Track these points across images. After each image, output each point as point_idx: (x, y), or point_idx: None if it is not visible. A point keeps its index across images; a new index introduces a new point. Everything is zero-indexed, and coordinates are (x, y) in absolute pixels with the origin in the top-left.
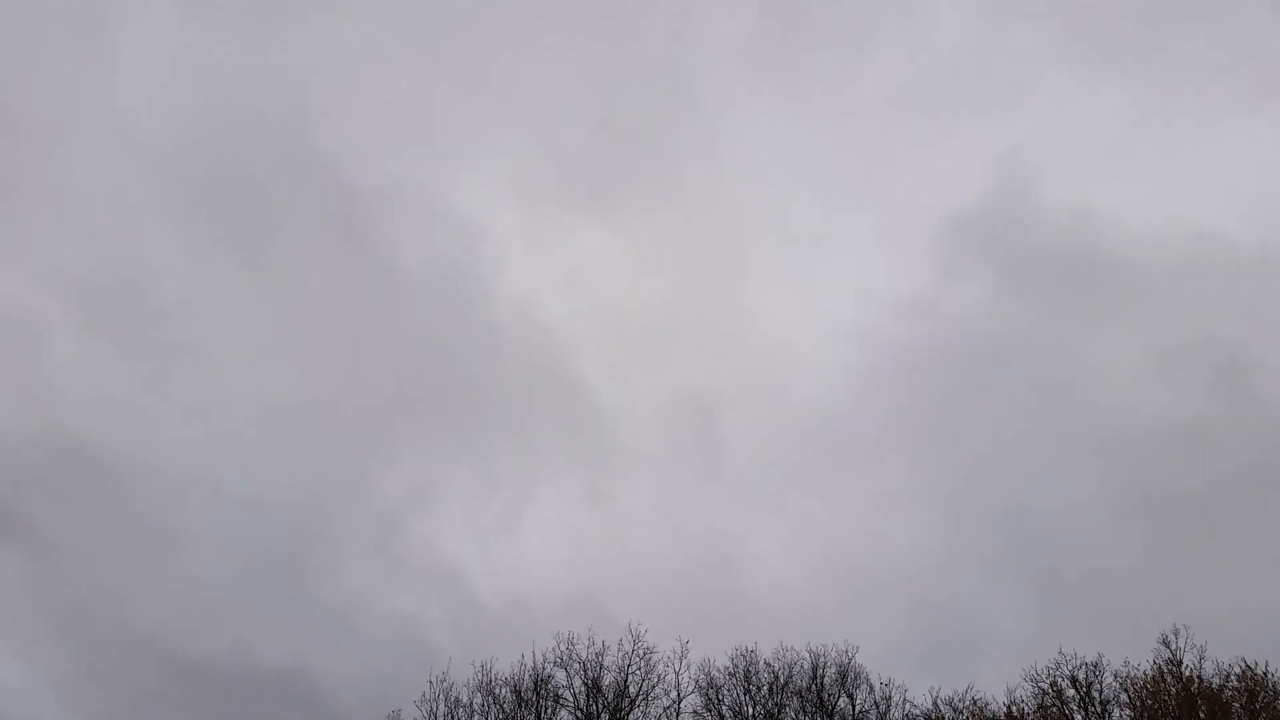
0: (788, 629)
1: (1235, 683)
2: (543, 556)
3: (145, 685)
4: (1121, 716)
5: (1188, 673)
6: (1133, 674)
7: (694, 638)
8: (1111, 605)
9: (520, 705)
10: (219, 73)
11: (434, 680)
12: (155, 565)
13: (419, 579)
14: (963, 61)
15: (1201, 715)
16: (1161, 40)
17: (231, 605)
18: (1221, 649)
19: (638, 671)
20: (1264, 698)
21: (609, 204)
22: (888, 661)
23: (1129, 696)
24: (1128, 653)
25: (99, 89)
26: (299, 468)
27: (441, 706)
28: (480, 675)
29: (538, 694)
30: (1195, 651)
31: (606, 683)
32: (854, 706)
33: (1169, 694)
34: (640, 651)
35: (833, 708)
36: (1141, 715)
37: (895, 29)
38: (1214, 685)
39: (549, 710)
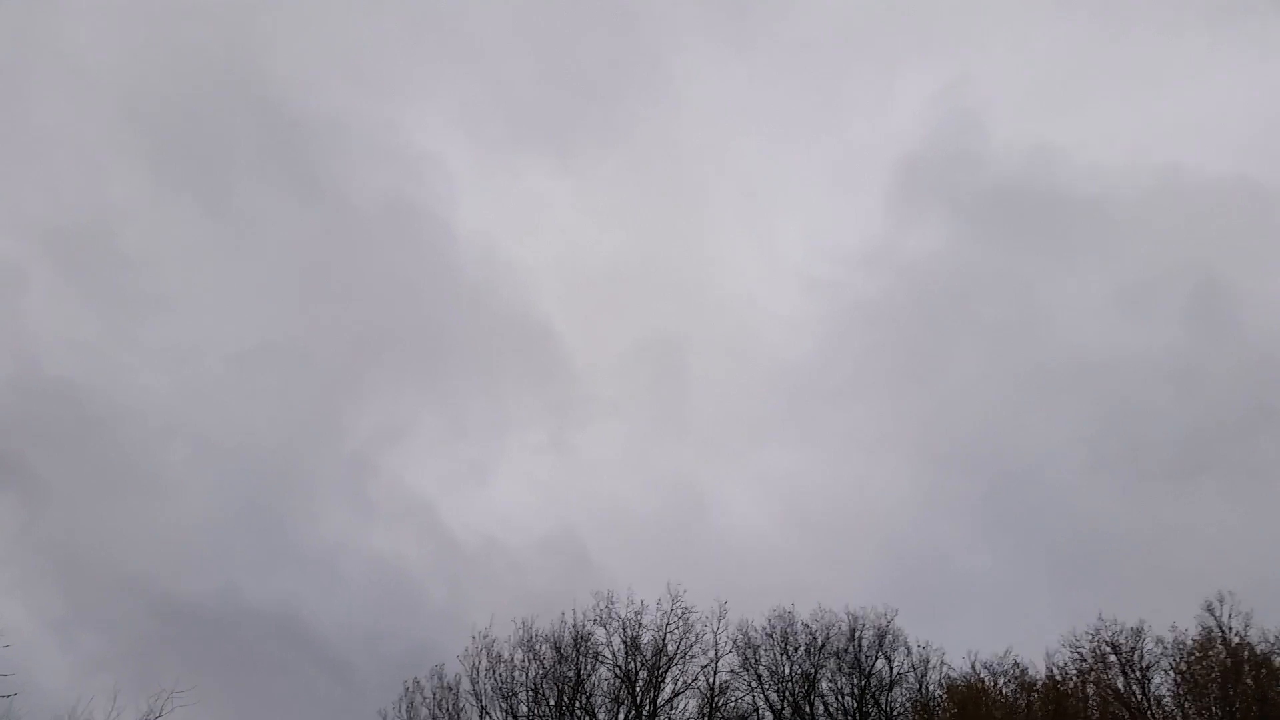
0: (760, 572)
1: None
2: (513, 499)
3: (139, 626)
4: (1164, 682)
5: (1235, 639)
6: (1179, 639)
7: (666, 580)
8: (1095, 549)
9: (560, 661)
10: (166, 11)
11: (476, 635)
12: (141, 508)
13: (395, 521)
14: None
15: (1249, 682)
16: None
17: (217, 548)
18: (1195, 592)
19: (676, 630)
20: None
21: (560, 144)
22: (863, 604)
23: (1171, 663)
24: (1116, 597)
25: (46, 31)
26: (273, 411)
27: (484, 661)
28: (521, 632)
29: (577, 651)
30: (1241, 618)
31: (645, 641)
32: (891, 668)
33: (1216, 661)
34: (679, 611)
35: (870, 669)
36: (1186, 681)
37: None
38: (1260, 651)
39: (589, 667)
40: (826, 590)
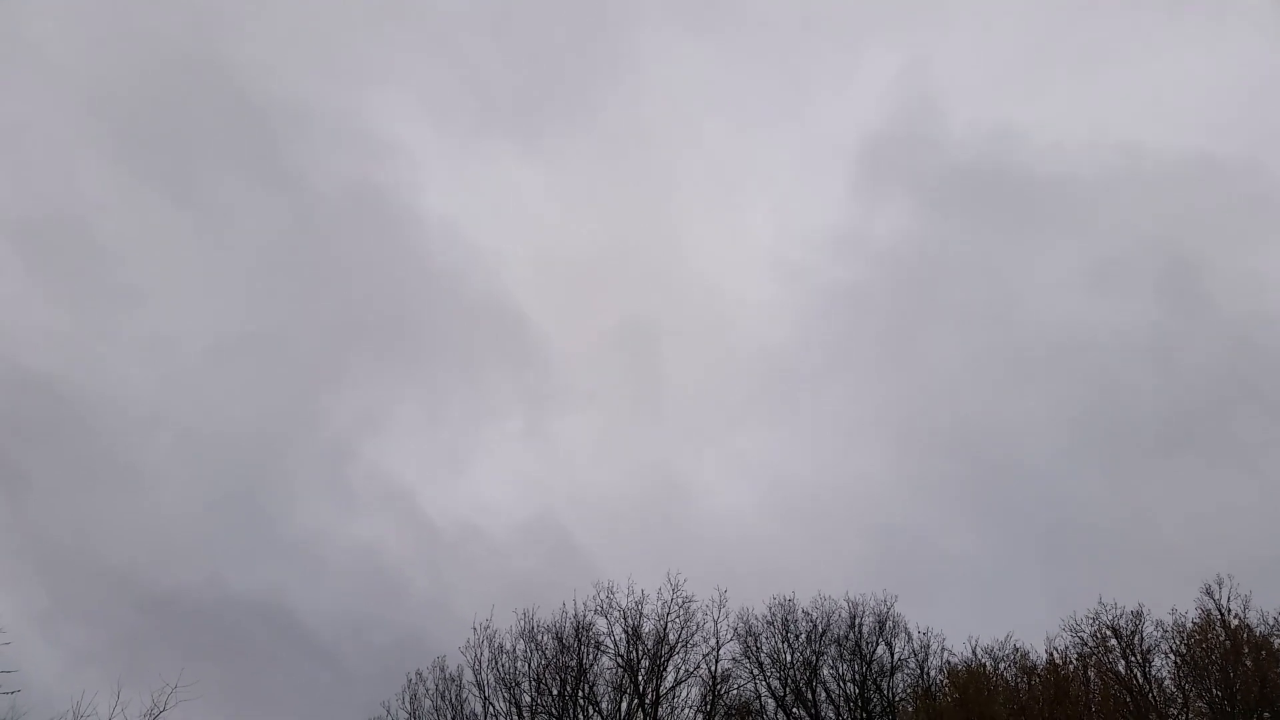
0: (743, 555)
1: None
2: (493, 486)
3: (125, 618)
4: (1164, 665)
5: (1235, 622)
6: (1179, 622)
7: (650, 567)
8: (1080, 528)
9: (562, 651)
10: (131, 3)
11: (477, 627)
12: (123, 500)
13: (375, 508)
14: None
15: (1248, 664)
16: None
17: (200, 539)
18: (1182, 570)
19: (677, 619)
20: None
21: (526, 129)
22: (848, 584)
23: (1172, 645)
24: (1103, 575)
25: (8, 23)
26: (251, 400)
27: (485, 652)
28: (523, 623)
29: (579, 641)
30: (1240, 600)
31: (646, 630)
32: (892, 655)
33: (1215, 643)
34: (679, 600)
35: (871, 656)
36: (1186, 664)
37: None
38: (1259, 633)
39: (590, 657)
40: (811, 573)
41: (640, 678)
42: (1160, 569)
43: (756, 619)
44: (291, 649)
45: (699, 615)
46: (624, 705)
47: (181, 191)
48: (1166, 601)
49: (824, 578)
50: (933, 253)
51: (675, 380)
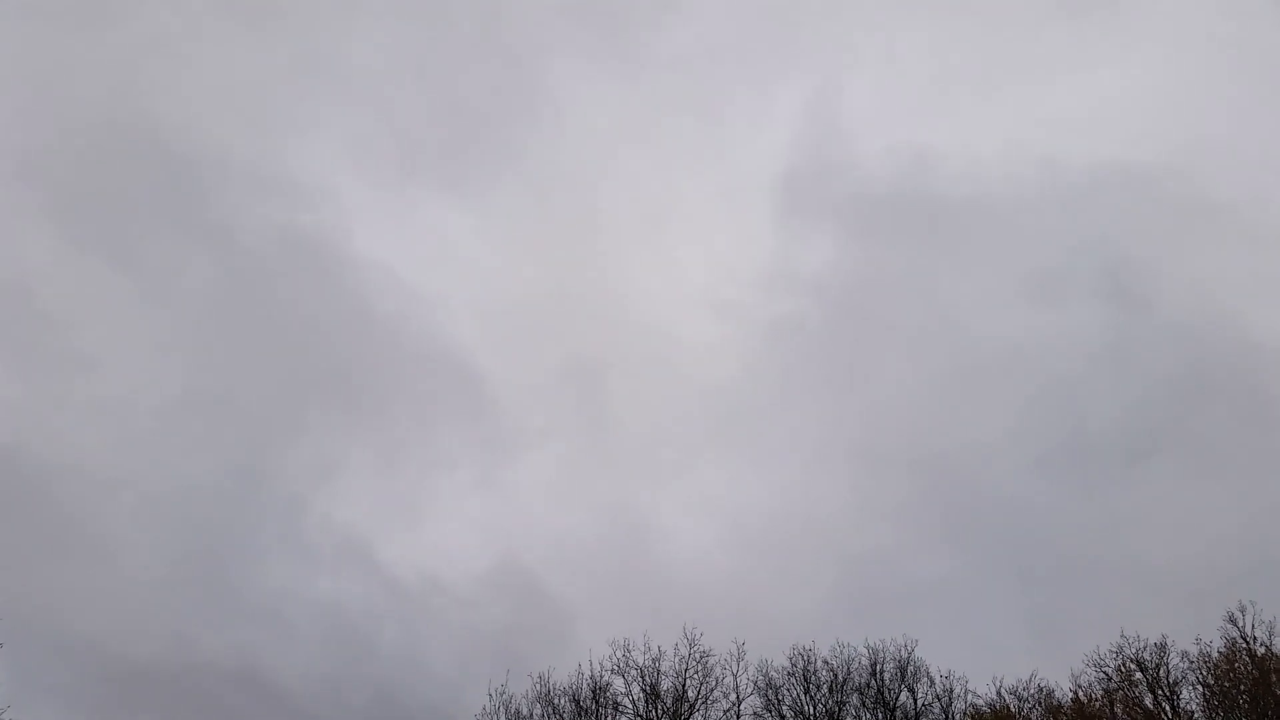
0: (710, 591)
1: None
2: (452, 535)
3: (93, 692)
4: (1192, 697)
5: (1261, 650)
6: (1204, 651)
7: (618, 607)
8: (1045, 541)
9: (580, 714)
10: (54, 69)
11: (493, 692)
12: (87, 569)
13: (338, 564)
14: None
15: (1278, 692)
16: None
17: (166, 603)
18: (1162, 582)
19: (695, 675)
20: None
21: (452, 174)
22: (820, 617)
23: (1198, 677)
24: (1080, 591)
25: None
26: (207, 460)
27: (502, 718)
28: (539, 686)
29: (596, 702)
30: (1265, 627)
31: (665, 688)
32: (915, 700)
33: (1242, 672)
34: (697, 655)
35: (894, 703)
36: (1214, 695)
37: None
38: None
39: (609, 718)
40: (783, 604)
41: None
42: (1139, 581)
43: (777, 671)
44: (267, 713)
45: (717, 670)
46: None
47: (119, 253)
48: (1151, 614)
49: (797, 608)
50: (865, 278)
51: (626, 420)
